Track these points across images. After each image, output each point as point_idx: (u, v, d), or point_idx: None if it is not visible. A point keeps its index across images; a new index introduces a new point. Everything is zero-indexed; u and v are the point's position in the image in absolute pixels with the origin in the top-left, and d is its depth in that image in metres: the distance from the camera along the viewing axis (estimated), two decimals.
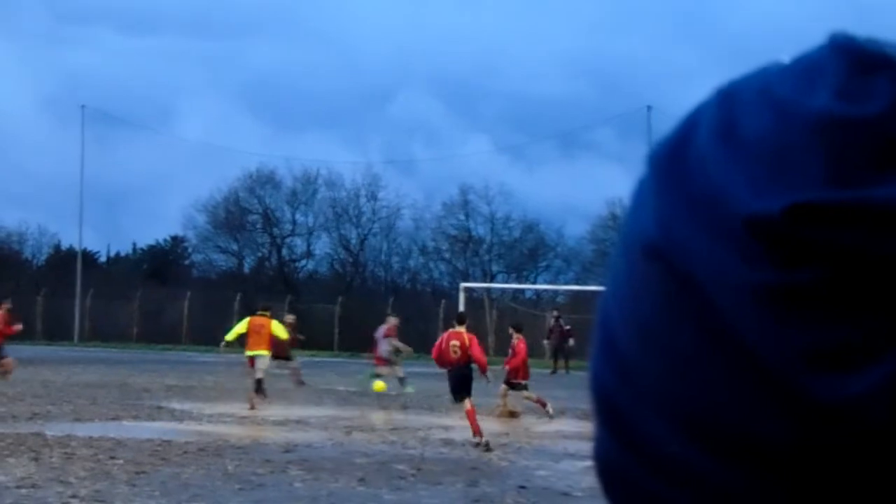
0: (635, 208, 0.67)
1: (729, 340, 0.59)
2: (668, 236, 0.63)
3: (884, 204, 0.57)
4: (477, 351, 20.25)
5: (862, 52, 0.62)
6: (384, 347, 31.22)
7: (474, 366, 20.16)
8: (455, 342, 19.92)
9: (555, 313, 48.17)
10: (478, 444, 18.57)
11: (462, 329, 20.42)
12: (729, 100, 0.65)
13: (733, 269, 0.59)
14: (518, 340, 25.30)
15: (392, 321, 32.27)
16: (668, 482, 0.63)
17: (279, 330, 26.90)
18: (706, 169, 0.62)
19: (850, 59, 0.62)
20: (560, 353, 45.42)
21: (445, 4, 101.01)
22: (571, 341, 45.38)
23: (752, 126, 0.62)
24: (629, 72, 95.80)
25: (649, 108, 60.97)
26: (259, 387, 25.40)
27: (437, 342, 20.57)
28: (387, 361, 31.08)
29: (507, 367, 25.11)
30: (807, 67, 0.63)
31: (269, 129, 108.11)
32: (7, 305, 30.51)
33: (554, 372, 43.17)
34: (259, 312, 27.04)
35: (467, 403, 19.43)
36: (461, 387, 19.69)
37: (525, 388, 24.98)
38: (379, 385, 29.06)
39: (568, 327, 45.95)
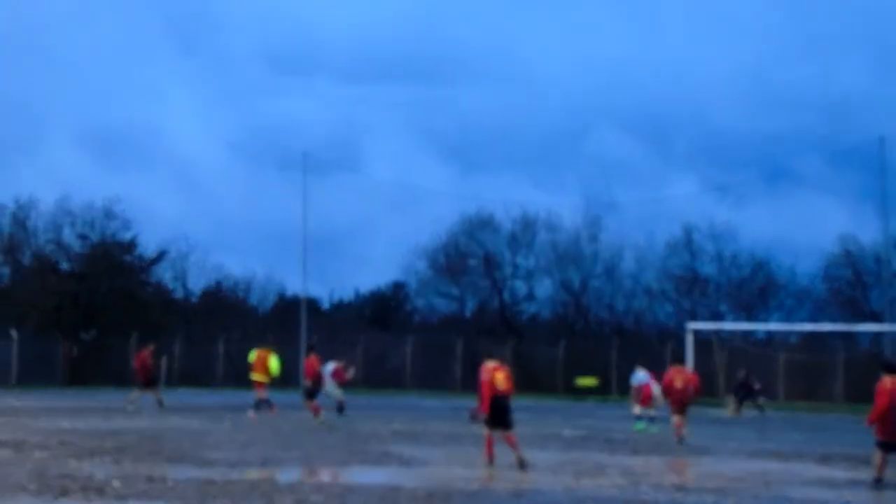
0: None
1: None
2: None
3: None
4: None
5: None
6: (657, 391, 32.26)
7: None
8: (500, 374, 21.24)
9: (742, 372, 47.09)
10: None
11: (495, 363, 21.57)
12: None
13: None
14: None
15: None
16: None
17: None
18: None
19: None
20: (748, 398, 45.32)
21: (635, 39, 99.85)
22: (762, 399, 45.52)
23: None
24: (843, 104, 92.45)
25: (882, 139, 58.52)
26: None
27: None
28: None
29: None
30: None
31: (468, 171, 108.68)
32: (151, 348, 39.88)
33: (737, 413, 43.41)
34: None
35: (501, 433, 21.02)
36: (507, 416, 21.20)
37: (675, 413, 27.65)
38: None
39: (758, 386, 45.99)
